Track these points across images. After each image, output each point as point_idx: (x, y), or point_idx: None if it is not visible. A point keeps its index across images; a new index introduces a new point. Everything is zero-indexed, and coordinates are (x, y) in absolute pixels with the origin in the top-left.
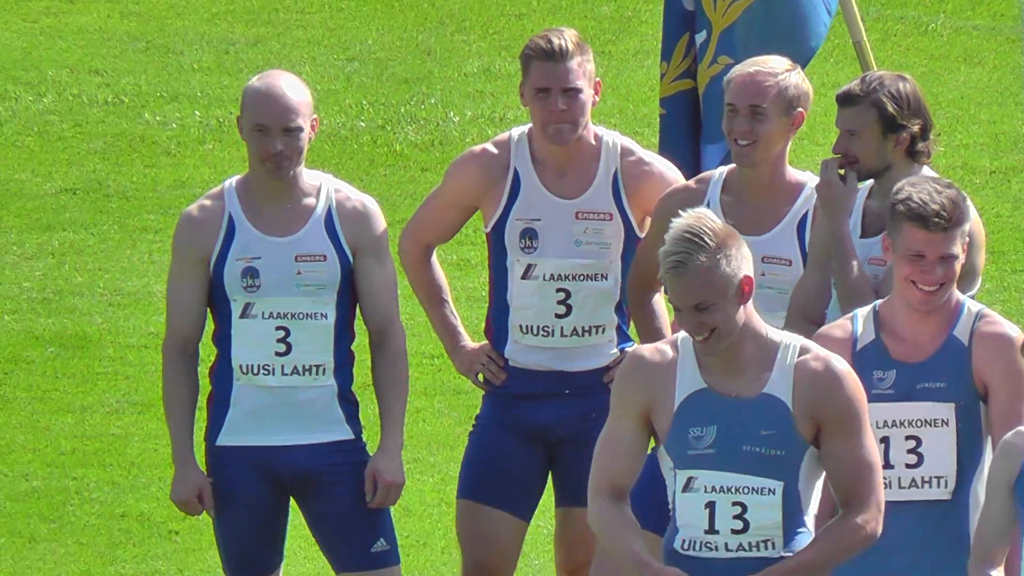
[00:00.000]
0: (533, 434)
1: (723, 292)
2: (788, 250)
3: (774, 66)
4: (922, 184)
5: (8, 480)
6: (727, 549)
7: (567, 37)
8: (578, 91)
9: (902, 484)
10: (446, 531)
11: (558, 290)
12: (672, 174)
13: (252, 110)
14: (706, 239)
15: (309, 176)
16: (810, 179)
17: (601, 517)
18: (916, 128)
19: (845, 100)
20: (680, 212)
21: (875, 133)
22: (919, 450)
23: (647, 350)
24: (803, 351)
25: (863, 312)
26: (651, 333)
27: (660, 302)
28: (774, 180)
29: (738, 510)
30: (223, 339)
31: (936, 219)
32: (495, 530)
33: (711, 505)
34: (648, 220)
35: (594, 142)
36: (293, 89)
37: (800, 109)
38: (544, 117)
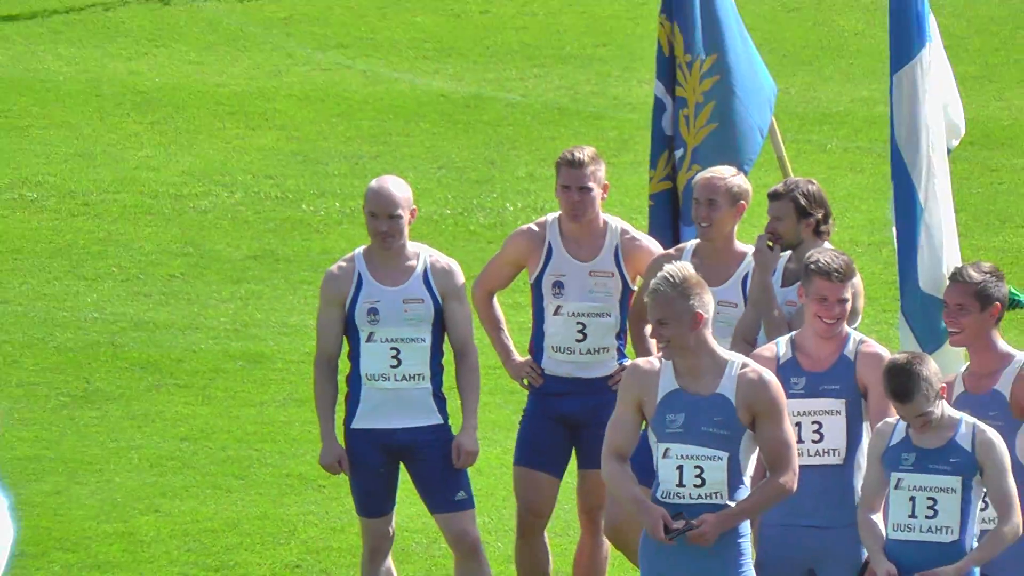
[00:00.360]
0: (562, 419)
1: (678, 317)
2: (735, 297)
3: (724, 172)
4: (825, 252)
5: (212, 451)
6: (691, 498)
7: (586, 152)
8: (589, 189)
9: (809, 454)
10: (506, 486)
11: (577, 323)
12: (655, 247)
13: (368, 202)
14: (676, 279)
15: (412, 246)
16: (750, 249)
17: (611, 473)
18: (820, 215)
19: (772, 196)
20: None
21: (792, 218)
22: (820, 431)
23: (642, 362)
24: (744, 365)
25: (784, 339)
26: (642, 351)
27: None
28: (726, 250)
29: (698, 471)
30: (355, 356)
31: (835, 274)
32: (538, 485)
33: (680, 468)
34: (639, 277)
35: (602, 224)
36: (397, 187)
37: (742, 201)
38: (566, 206)
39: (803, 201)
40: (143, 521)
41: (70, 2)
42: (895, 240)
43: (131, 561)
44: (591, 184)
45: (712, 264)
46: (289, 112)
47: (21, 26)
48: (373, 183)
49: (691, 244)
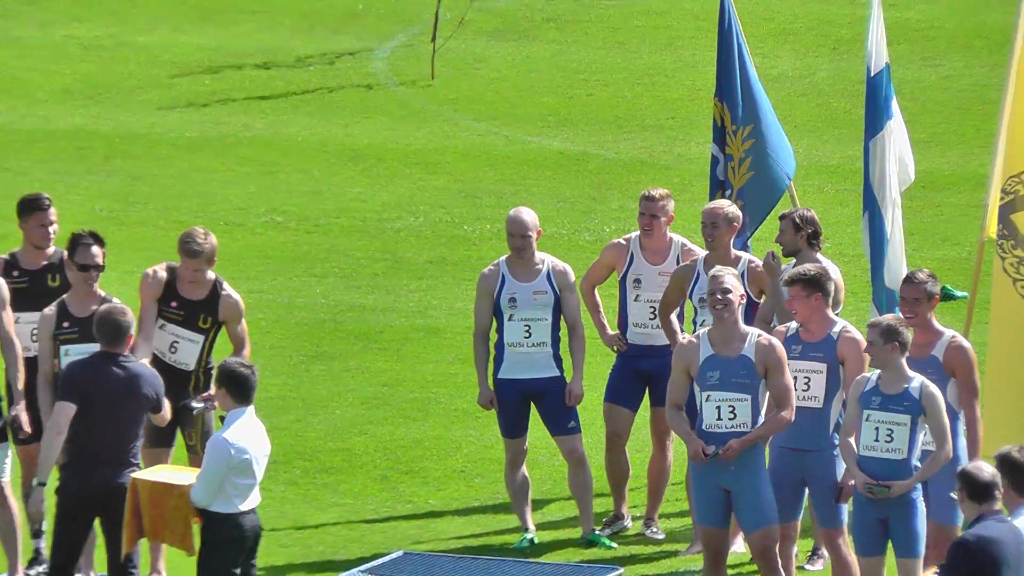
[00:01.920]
0: (638, 373)
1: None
2: None
3: (723, 204)
4: (800, 267)
5: (403, 393)
6: (726, 429)
7: (659, 191)
8: (657, 216)
9: (800, 399)
10: (601, 418)
11: (650, 307)
12: (703, 254)
13: (508, 225)
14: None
15: (538, 255)
16: (743, 255)
17: (671, 417)
18: (810, 230)
19: (780, 217)
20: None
21: (791, 232)
22: (808, 384)
23: (685, 341)
24: (759, 335)
25: (793, 323)
26: (670, 332)
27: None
28: (726, 256)
29: (731, 409)
30: (500, 330)
31: (792, 283)
32: (621, 416)
33: (718, 408)
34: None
35: (669, 240)
36: (528, 215)
37: (735, 223)
38: (643, 227)
39: (798, 220)
40: (356, 440)
41: (305, 86)
42: (868, 253)
43: (348, 467)
44: (659, 213)
45: (720, 261)
46: (455, 163)
47: (273, 103)
48: (511, 212)
49: (701, 255)
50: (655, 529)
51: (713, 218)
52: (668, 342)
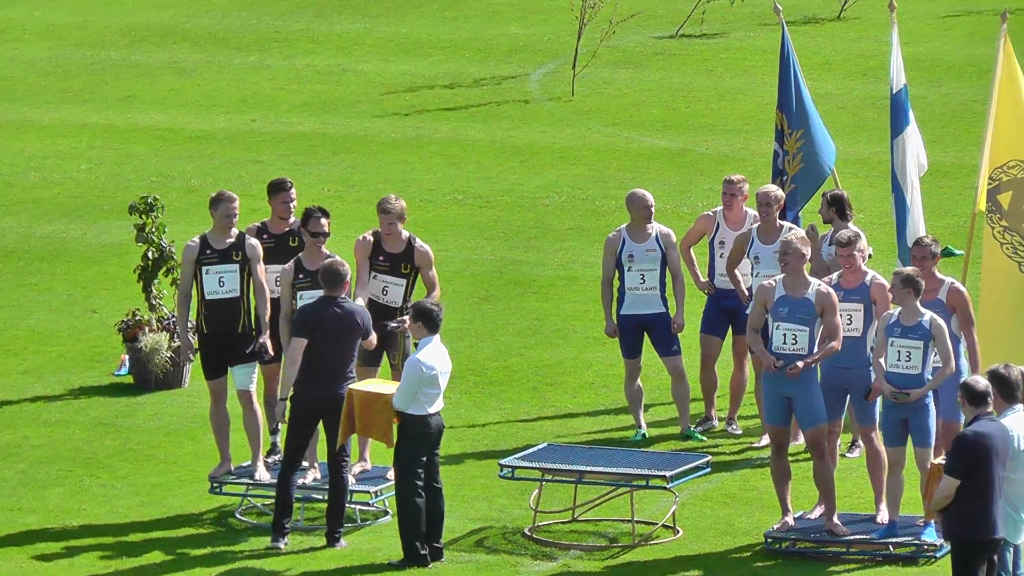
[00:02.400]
0: (723, 310)
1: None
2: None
3: (771, 187)
4: (845, 230)
5: (551, 323)
6: (790, 351)
7: (737, 176)
8: (736, 196)
9: (844, 331)
10: (695, 344)
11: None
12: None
13: (631, 202)
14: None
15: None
16: (786, 224)
17: (751, 337)
18: (838, 206)
19: (822, 196)
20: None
21: (825, 207)
22: (851, 319)
23: (766, 282)
24: (818, 284)
25: (835, 274)
26: (735, 281)
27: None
28: (773, 227)
29: (794, 337)
30: (621, 278)
31: (843, 243)
32: (713, 343)
33: (784, 335)
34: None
35: (744, 213)
36: (645, 194)
37: (781, 201)
38: (725, 203)
39: (829, 198)
40: (514, 360)
41: (479, 101)
42: (895, 222)
43: (507, 380)
44: (737, 193)
45: (767, 233)
46: (589, 157)
47: (455, 113)
48: (633, 191)
49: (754, 226)
50: (735, 427)
51: (766, 199)
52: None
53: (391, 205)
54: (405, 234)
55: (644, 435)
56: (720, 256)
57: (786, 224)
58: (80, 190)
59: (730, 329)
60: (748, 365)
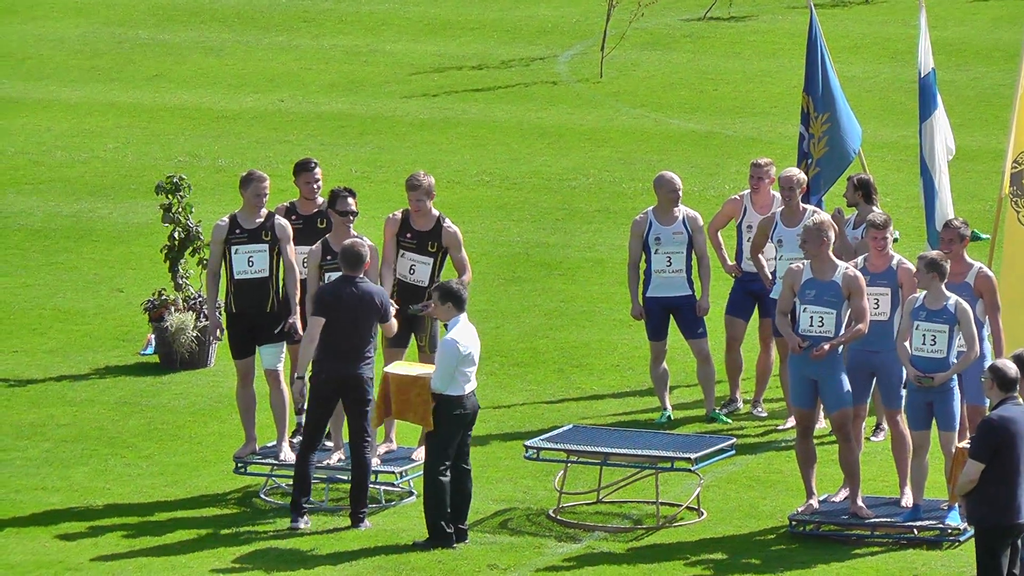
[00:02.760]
0: (750, 293)
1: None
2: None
3: (794, 171)
4: (877, 213)
5: (572, 304)
6: (817, 333)
7: (764, 160)
8: (763, 179)
9: (871, 314)
10: (721, 326)
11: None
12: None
13: (660, 184)
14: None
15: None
16: (808, 207)
17: (779, 320)
18: (864, 190)
19: (848, 180)
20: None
21: (851, 191)
22: (878, 303)
23: (794, 266)
24: (845, 267)
25: (861, 257)
26: (759, 266)
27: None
28: (797, 210)
29: (820, 320)
30: (648, 261)
31: (878, 225)
32: (738, 325)
33: (811, 317)
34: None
35: (771, 197)
36: (674, 177)
37: (803, 185)
38: (752, 186)
39: (856, 182)
40: (540, 342)
41: (507, 82)
42: (923, 205)
43: (533, 362)
44: (764, 176)
45: (790, 217)
46: (617, 139)
47: (484, 94)
48: (662, 174)
49: (778, 210)
50: (760, 409)
51: (789, 183)
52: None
53: (419, 180)
54: (435, 212)
55: (669, 417)
56: (747, 240)
57: (810, 207)
58: (107, 169)
59: (756, 312)
60: (774, 348)
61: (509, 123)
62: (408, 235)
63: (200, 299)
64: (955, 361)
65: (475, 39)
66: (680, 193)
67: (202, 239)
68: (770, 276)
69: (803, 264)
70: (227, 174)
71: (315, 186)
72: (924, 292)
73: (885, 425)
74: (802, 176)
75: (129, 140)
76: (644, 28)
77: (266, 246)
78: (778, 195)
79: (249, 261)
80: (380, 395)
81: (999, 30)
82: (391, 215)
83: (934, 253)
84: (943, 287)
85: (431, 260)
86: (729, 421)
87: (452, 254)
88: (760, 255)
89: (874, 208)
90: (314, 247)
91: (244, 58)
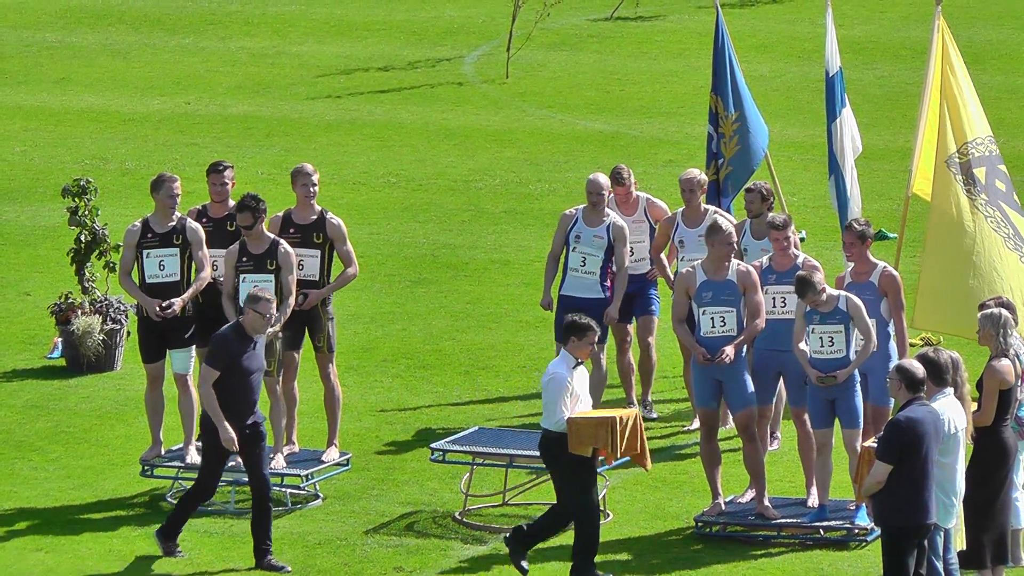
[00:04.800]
0: (626, 295)
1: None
2: (703, 231)
3: (693, 172)
4: (776, 216)
5: (492, 302)
6: (718, 335)
7: (695, 173)
8: (694, 191)
9: (779, 313)
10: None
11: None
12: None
13: (587, 184)
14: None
15: (607, 211)
16: (710, 208)
17: (677, 328)
18: (771, 199)
19: (747, 191)
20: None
21: (759, 202)
22: (785, 301)
23: (684, 270)
24: (738, 264)
25: (766, 256)
26: (661, 267)
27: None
28: (698, 211)
29: (722, 320)
30: (566, 257)
31: (779, 226)
32: (621, 329)
33: (712, 318)
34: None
35: (636, 198)
36: (603, 179)
37: (704, 186)
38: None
39: (764, 192)
40: (446, 344)
41: (413, 83)
42: (835, 205)
43: (439, 364)
44: (696, 189)
45: (691, 217)
46: (523, 140)
47: (390, 96)
48: (591, 176)
49: (680, 209)
50: (650, 410)
51: (690, 184)
52: (643, 272)
53: (307, 167)
54: (317, 207)
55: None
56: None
57: (711, 208)
58: (14, 172)
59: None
60: (653, 346)
61: (415, 124)
62: (291, 230)
63: (106, 302)
64: (854, 356)
65: (381, 40)
66: (604, 195)
67: (109, 242)
68: (671, 276)
69: (694, 267)
70: (134, 177)
71: (222, 189)
72: None
73: (779, 434)
74: (703, 177)
75: (36, 143)
76: (550, 28)
77: (177, 250)
78: (643, 196)
79: (160, 265)
80: (578, 440)
81: (906, 28)
82: (273, 216)
83: (802, 273)
84: (830, 290)
85: (318, 252)
86: None
87: (337, 247)
88: (661, 256)
89: (769, 215)
90: (231, 248)
91: (151, 61)
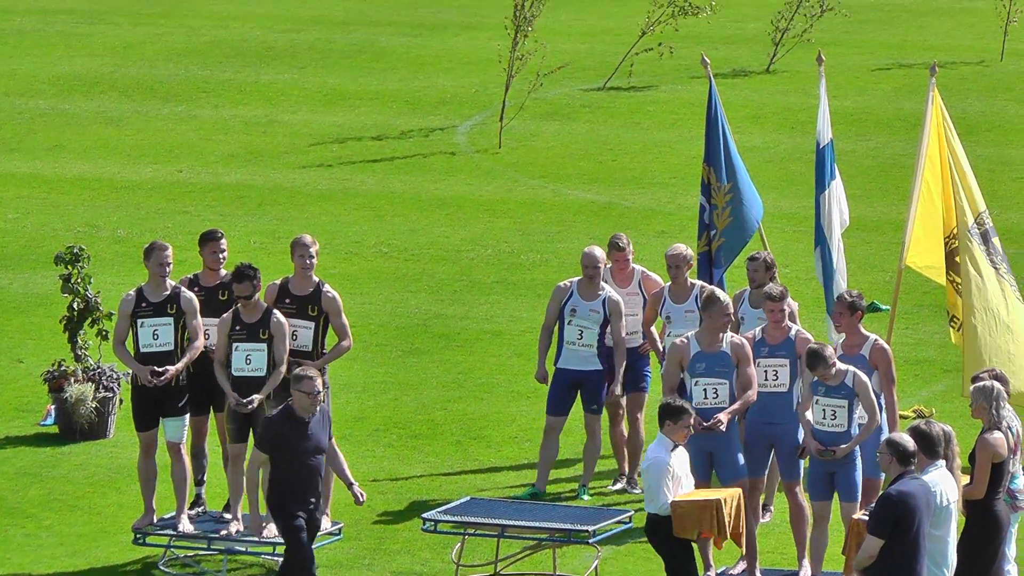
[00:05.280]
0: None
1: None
2: (692, 306)
3: (681, 247)
4: (773, 286)
5: (485, 372)
6: (711, 405)
7: (682, 249)
8: (680, 267)
9: (770, 387)
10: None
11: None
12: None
13: (582, 258)
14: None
15: (602, 284)
16: (697, 283)
17: (668, 399)
18: (775, 269)
19: (751, 259)
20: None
21: (763, 271)
22: (777, 375)
23: (678, 341)
24: (731, 336)
25: (758, 328)
26: (652, 340)
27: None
28: (684, 285)
29: (715, 391)
30: (560, 330)
31: (775, 297)
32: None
33: (704, 390)
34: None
35: (632, 270)
36: (599, 251)
37: (691, 261)
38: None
39: (769, 261)
40: (438, 414)
41: (406, 152)
42: (821, 278)
43: (431, 434)
44: (682, 264)
45: (678, 293)
46: (515, 210)
47: (382, 165)
48: (586, 248)
49: (666, 285)
50: (633, 485)
51: (676, 260)
52: (635, 346)
53: (306, 239)
54: (315, 278)
55: (536, 493)
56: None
57: (698, 283)
58: (6, 239)
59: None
60: (642, 422)
61: (408, 194)
62: (287, 300)
63: (99, 370)
64: (856, 432)
65: (374, 109)
66: (599, 268)
67: (101, 310)
68: (662, 349)
69: (687, 338)
70: (126, 244)
71: (219, 257)
72: None
73: (772, 506)
74: (689, 252)
75: (28, 210)
76: (543, 98)
77: (171, 319)
78: (638, 270)
79: (154, 334)
80: (683, 525)
81: (900, 99)
82: (270, 284)
83: (815, 346)
84: (838, 365)
85: (312, 324)
86: (586, 498)
87: (332, 320)
88: (651, 329)
89: (770, 284)
90: (224, 316)
91: (143, 128)
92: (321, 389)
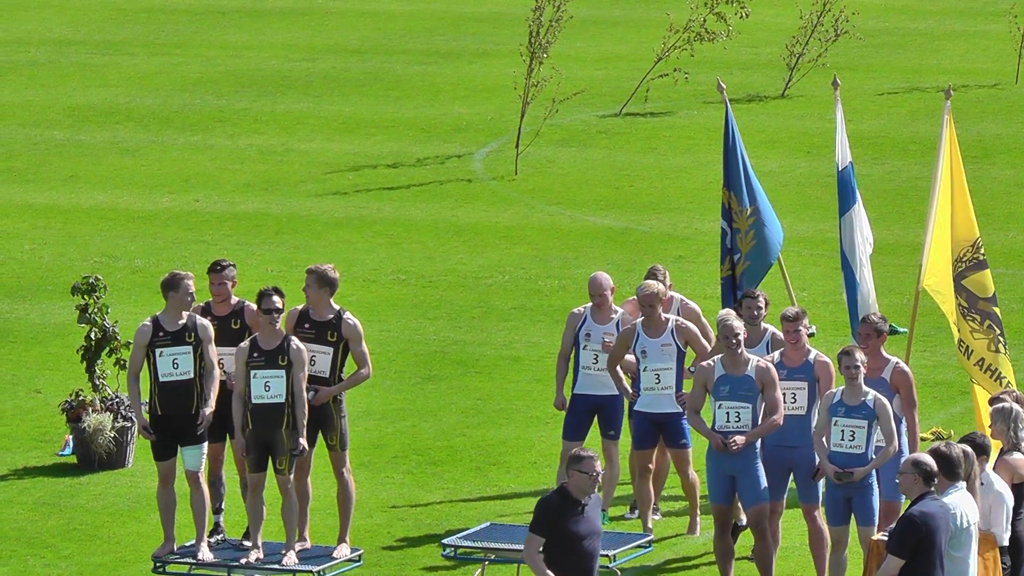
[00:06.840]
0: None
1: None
2: (668, 340)
3: (652, 285)
4: (788, 309)
5: (504, 396)
6: (731, 430)
7: (654, 286)
8: (654, 306)
9: (788, 409)
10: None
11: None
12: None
13: (589, 285)
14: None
15: (615, 308)
16: (671, 317)
17: (692, 419)
18: (765, 311)
19: (748, 297)
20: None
21: (758, 308)
22: (795, 397)
23: (704, 364)
24: (758, 361)
25: (777, 352)
26: (616, 379)
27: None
28: (659, 320)
29: (736, 415)
30: (576, 355)
31: (791, 319)
32: (645, 456)
33: (727, 413)
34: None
35: (615, 309)
36: (603, 278)
37: (663, 296)
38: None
39: (765, 300)
40: (457, 440)
41: (422, 180)
42: (846, 299)
43: (450, 460)
44: (656, 303)
45: (652, 327)
46: (532, 236)
47: (399, 192)
48: (592, 275)
49: (638, 320)
50: (655, 513)
51: (650, 300)
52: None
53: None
54: (335, 306)
55: None
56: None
57: (671, 316)
58: (23, 270)
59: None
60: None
61: (424, 221)
62: (306, 325)
63: (117, 399)
64: (874, 456)
65: (390, 137)
66: (607, 295)
67: (119, 339)
68: (629, 389)
69: (714, 361)
70: (143, 274)
71: (221, 288)
72: (842, 387)
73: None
74: (661, 288)
75: (45, 241)
76: (559, 125)
77: (190, 347)
78: (671, 317)
79: (174, 363)
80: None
81: (916, 123)
82: (291, 309)
83: (851, 347)
84: (861, 382)
85: (330, 350)
86: (605, 522)
87: (352, 347)
88: (616, 368)
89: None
90: (241, 345)
91: (159, 158)
92: (600, 471)
